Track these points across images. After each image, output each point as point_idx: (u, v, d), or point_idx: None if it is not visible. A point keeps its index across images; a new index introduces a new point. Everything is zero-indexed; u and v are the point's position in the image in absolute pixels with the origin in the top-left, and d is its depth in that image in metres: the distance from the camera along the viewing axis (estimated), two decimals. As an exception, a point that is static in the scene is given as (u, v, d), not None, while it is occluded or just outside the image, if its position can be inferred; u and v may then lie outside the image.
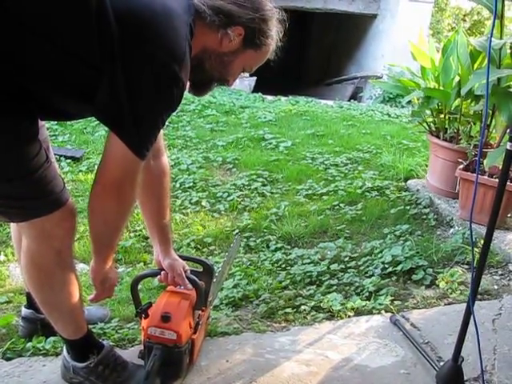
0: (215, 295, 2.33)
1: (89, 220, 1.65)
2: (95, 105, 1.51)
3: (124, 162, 1.54)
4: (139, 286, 2.00)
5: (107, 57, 1.44)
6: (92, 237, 1.71)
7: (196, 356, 2.06)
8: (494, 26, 1.79)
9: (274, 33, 1.70)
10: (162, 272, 2.03)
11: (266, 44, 1.70)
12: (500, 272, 2.96)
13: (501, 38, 3.11)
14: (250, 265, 2.90)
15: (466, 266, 2.93)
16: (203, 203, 3.65)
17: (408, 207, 3.65)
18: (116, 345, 2.15)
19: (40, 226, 1.61)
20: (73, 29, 1.44)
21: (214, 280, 2.15)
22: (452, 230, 3.41)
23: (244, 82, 8.13)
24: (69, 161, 4.21)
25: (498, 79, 3.21)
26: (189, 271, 2.04)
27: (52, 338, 2.11)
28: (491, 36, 1.73)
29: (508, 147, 1.64)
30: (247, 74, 8.43)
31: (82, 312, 1.87)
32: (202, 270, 2.11)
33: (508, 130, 2.76)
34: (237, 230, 3.28)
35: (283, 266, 2.91)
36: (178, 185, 3.90)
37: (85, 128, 4.97)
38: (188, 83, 1.58)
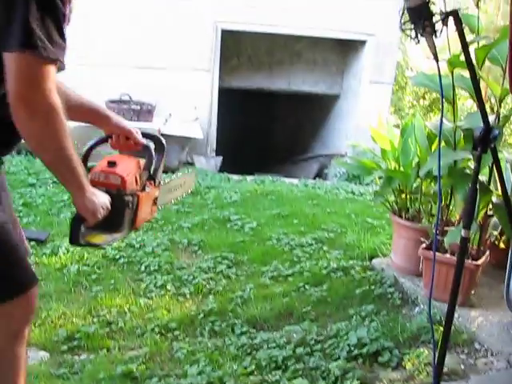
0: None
1: None
2: None
3: (23, 66, 1.47)
4: None
5: None
6: (48, 168, 1.66)
7: (140, 222, 1.99)
8: (442, 111, 1.87)
9: None
10: (113, 136, 2.01)
11: None
12: (466, 351, 2.96)
13: (454, 122, 3.23)
14: (215, 350, 2.87)
15: (432, 346, 2.93)
16: (168, 287, 3.62)
17: (373, 287, 3.66)
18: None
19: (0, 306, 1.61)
20: None
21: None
22: (417, 308, 3.42)
23: (210, 162, 8.23)
24: (33, 243, 4.15)
25: (455, 161, 3.32)
26: (140, 134, 2.04)
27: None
28: (441, 124, 1.80)
29: (462, 234, 1.68)
30: (213, 154, 8.55)
31: None
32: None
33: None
34: (202, 314, 3.25)
35: (249, 350, 2.87)
36: (142, 268, 3.87)
37: (50, 209, 4.94)
38: None
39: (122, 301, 3.39)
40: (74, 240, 1.76)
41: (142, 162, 1.97)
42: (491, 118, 3.22)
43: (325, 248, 4.43)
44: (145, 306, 3.37)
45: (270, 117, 12.53)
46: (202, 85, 8.30)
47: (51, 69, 1.51)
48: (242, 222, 4.95)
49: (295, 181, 7.34)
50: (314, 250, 4.36)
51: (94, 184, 1.80)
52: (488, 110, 3.47)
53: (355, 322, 3.18)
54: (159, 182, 2.11)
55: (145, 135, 2.12)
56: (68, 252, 3.99)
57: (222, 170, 8.03)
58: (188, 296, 3.53)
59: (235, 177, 7.15)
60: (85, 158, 1.95)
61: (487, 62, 3.16)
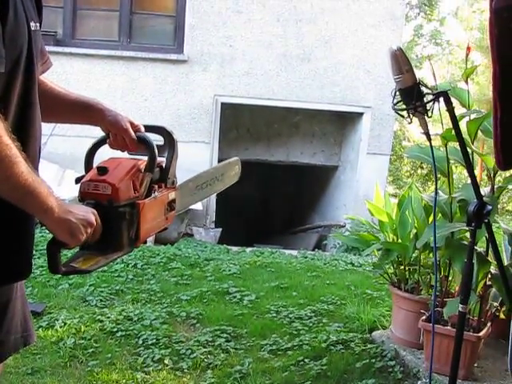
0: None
1: None
2: None
3: None
4: None
5: None
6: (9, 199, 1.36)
7: (145, 234, 1.72)
8: (436, 185, 1.90)
9: None
10: (110, 134, 1.78)
11: None
12: (471, 428, 2.90)
13: (450, 194, 3.27)
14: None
15: (435, 423, 2.88)
16: (166, 361, 3.57)
17: (373, 360, 3.61)
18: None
19: None
20: None
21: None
22: (419, 382, 3.36)
23: (210, 233, 8.23)
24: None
25: (452, 232, 3.34)
26: (142, 129, 1.80)
27: None
28: (435, 198, 1.83)
29: (460, 309, 1.68)
30: (213, 225, 8.56)
31: None
32: (162, 143, 1.82)
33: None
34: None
35: (247, 427, 2.82)
36: (140, 341, 3.82)
37: (48, 281, 4.89)
38: None
39: (119, 376, 3.34)
40: (53, 268, 1.52)
41: (144, 162, 1.71)
42: (486, 190, 3.26)
43: (324, 320, 4.38)
44: (142, 381, 3.31)
45: (268, 187, 12.63)
46: (201, 157, 8.39)
47: None
48: (240, 294, 4.92)
49: (294, 252, 7.33)
50: (314, 323, 4.32)
51: (84, 196, 1.59)
52: (485, 178, 3.51)
53: (356, 397, 3.13)
54: (173, 182, 1.85)
55: (150, 128, 1.87)
56: (65, 325, 3.95)
57: (221, 241, 8.03)
58: (186, 370, 3.48)
59: (234, 248, 7.15)
60: (87, 165, 1.75)
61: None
